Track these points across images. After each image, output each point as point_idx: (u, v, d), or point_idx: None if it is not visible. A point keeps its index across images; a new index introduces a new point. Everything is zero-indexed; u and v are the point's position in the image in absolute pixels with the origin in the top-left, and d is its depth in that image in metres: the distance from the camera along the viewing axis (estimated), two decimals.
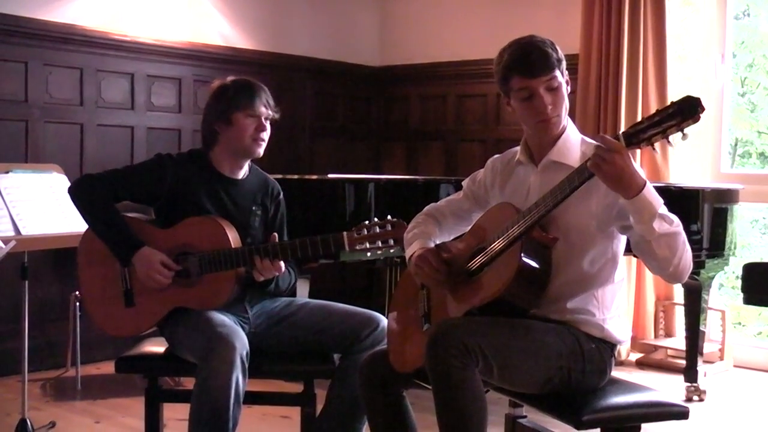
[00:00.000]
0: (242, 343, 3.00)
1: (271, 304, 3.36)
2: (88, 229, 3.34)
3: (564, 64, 2.75)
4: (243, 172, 3.38)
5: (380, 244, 3.06)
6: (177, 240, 3.23)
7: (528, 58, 2.69)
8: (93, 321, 3.36)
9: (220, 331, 3.01)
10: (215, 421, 2.92)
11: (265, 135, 3.29)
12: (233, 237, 3.21)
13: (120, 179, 3.30)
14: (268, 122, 3.31)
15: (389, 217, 3.08)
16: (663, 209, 2.51)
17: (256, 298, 3.35)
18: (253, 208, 3.35)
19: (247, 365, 2.99)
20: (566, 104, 2.76)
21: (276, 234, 3.23)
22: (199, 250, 3.19)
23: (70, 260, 5.03)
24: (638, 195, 2.45)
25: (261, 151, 3.31)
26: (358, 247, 3.06)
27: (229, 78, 3.37)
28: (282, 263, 3.18)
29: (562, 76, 2.73)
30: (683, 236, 2.54)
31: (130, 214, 3.36)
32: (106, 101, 5.48)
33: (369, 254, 3.09)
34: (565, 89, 2.74)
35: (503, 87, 2.77)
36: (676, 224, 2.53)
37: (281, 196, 3.47)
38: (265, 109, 3.28)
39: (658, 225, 2.48)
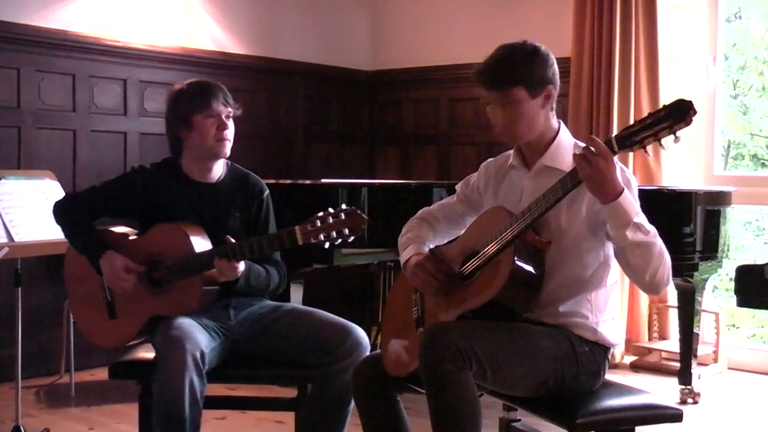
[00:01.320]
0: (194, 344, 2.97)
1: (259, 310, 3.34)
2: (69, 246, 3.38)
3: (539, 77, 2.71)
4: (216, 175, 3.36)
5: (335, 235, 2.97)
6: (147, 249, 3.25)
7: (483, 70, 2.76)
8: (83, 334, 3.41)
9: (172, 334, 3.00)
10: (171, 424, 2.91)
11: (229, 133, 3.27)
12: (199, 242, 3.19)
13: (95, 195, 3.33)
14: (231, 120, 3.29)
15: (343, 206, 3.01)
16: (640, 219, 2.52)
17: (242, 305, 3.33)
18: (231, 209, 3.33)
19: (203, 366, 2.96)
20: (530, 120, 2.73)
21: (229, 237, 3.15)
22: (167, 258, 3.20)
23: (63, 267, 5.04)
24: (614, 201, 2.48)
25: (227, 150, 3.29)
26: (312, 240, 2.98)
27: (185, 82, 3.36)
28: (240, 264, 3.12)
29: (530, 92, 2.70)
30: (659, 248, 2.55)
31: (112, 228, 3.38)
32: (99, 107, 5.47)
33: (327, 245, 2.99)
34: (533, 105, 2.72)
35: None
36: (653, 235, 2.54)
37: (265, 194, 3.43)
38: (224, 107, 3.26)
39: (631, 233, 2.50)
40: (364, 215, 2.98)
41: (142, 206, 3.30)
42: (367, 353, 3.10)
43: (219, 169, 3.37)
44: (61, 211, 3.35)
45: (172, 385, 2.90)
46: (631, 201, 2.52)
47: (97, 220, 3.35)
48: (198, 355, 2.95)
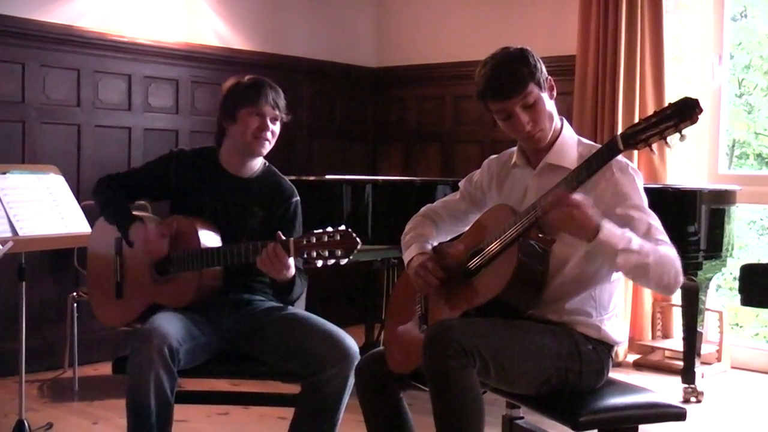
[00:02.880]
0: (162, 338, 2.96)
1: (255, 310, 3.32)
2: (97, 223, 3.48)
3: (540, 74, 2.72)
4: (251, 172, 3.38)
5: (327, 254, 2.96)
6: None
7: (497, 82, 2.70)
8: (92, 309, 3.52)
9: (143, 328, 3.03)
10: (138, 416, 2.94)
11: (269, 134, 3.28)
12: (209, 237, 3.22)
13: (131, 177, 3.42)
14: (277, 123, 3.31)
15: (342, 227, 2.98)
16: (627, 243, 2.49)
17: (241, 304, 3.32)
18: (255, 209, 3.34)
19: (174, 362, 2.96)
20: (551, 113, 2.75)
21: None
22: (176, 248, 3.23)
23: (68, 261, 5.05)
24: (595, 239, 2.48)
25: (264, 150, 3.30)
26: (305, 255, 2.98)
27: (246, 77, 3.37)
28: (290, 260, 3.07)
29: (540, 88, 2.71)
30: (653, 262, 2.51)
31: (138, 213, 3.43)
32: (104, 102, 5.48)
33: (319, 263, 2.98)
34: (546, 101, 2.73)
35: (485, 108, 2.79)
36: (645, 253, 2.50)
37: (294, 199, 3.42)
38: (272, 109, 3.28)
39: (622, 260, 2.50)
40: (358, 239, 2.96)
41: (174, 190, 3.36)
42: (356, 363, 3.06)
43: (255, 167, 3.39)
44: (100, 189, 3.42)
45: (138, 378, 2.93)
46: (612, 230, 2.50)
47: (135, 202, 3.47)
48: (166, 350, 2.94)
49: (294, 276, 3.15)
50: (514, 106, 2.69)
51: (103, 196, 3.40)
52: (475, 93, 2.79)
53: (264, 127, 3.26)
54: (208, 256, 3.16)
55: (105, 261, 3.41)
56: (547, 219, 2.51)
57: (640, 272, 2.52)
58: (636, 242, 2.52)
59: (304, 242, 2.98)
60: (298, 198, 3.44)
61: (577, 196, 2.49)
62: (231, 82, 3.36)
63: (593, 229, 2.48)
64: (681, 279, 2.59)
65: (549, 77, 2.76)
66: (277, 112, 3.30)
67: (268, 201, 3.37)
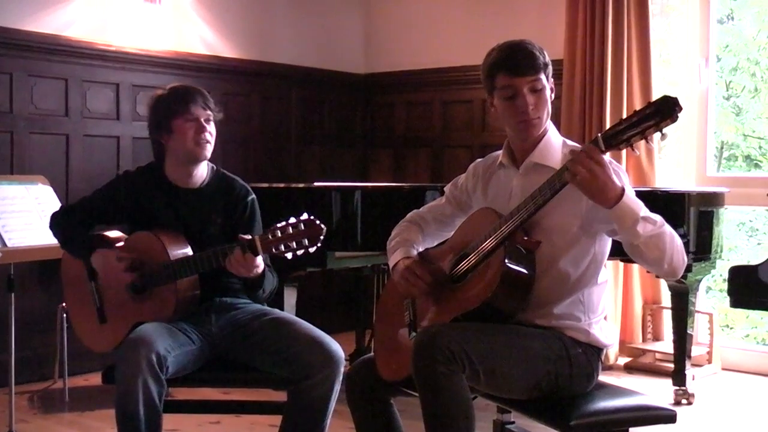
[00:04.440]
0: (149, 347, 2.96)
1: (242, 315, 3.32)
2: (64, 254, 3.45)
3: (550, 69, 2.76)
4: (199, 180, 3.37)
5: (294, 245, 2.96)
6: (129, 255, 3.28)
7: (514, 57, 2.72)
8: (78, 337, 3.46)
9: (129, 338, 3.04)
10: (127, 427, 2.95)
11: (208, 136, 3.28)
12: (176, 249, 3.22)
13: (86, 205, 3.40)
14: (211, 123, 3.30)
15: (305, 215, 2.98)
16: (645, 211, 2.52)
17: (224, 309, 3.33)
18: (213, 216, 3.34)
19: (161, 369, 2.97)
20: (549, 109, 2.77)
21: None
22: (146, 265, 3.23)
23: (57, 271, 5.03)
24: (618, 203, 2.47)
25: (207, 153, 3.30)
26: (274, 250, 2.98)
27: (166, 87, 3.37)
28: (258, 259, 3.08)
29: (546, 81, 2.74)
30: (669, 233, 2.55)
31: (106, 232, 3.42)
32: (92, 111, 5.47)
33: (289, 255, 2.98)
34: (549, 95, 2.76)
35: (488, 85, 2.79)
36: (660, 224, 2.54)
37: (249, 198, 3.42)
38: (203, 111, 3.27)
39: (642, 228, 2.49)
40: (322, 225, 2.96)
41: (128, 212, 3.35)
42: (342, 368, 3.08)
43: (202, 174, 3.38)
44: (55, 224, 3.42)
45: (126, 386, 2.94)
46: (633, 197, 2.52)
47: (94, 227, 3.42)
48: (153, 358, 2.95)
49: (263, 272, 3.16)
50: (523, 85, 2.70)
51: (60, 232, 3.40)
52: (483, 68, 2.79)
53: (201, 130, 3.26)
54: (178, 266, 3.17)
55: (81, 287, 3.38)
56: (570, 177, 2.47)
57: (656, 244, 2.51)
58: (652, 213, 2.53)
59: (270, 237, 2.98)
60: (254, 195, 3.45)
61: (605, 156, 2.48)
62: (154, 96, 3.35)
63: (618, 193, 2.47)
64: (686, 262, 2.59)
65: (552, 80, 2.79)
66: (209, 113, 3.30)
67: (224, 206, 3.37)
